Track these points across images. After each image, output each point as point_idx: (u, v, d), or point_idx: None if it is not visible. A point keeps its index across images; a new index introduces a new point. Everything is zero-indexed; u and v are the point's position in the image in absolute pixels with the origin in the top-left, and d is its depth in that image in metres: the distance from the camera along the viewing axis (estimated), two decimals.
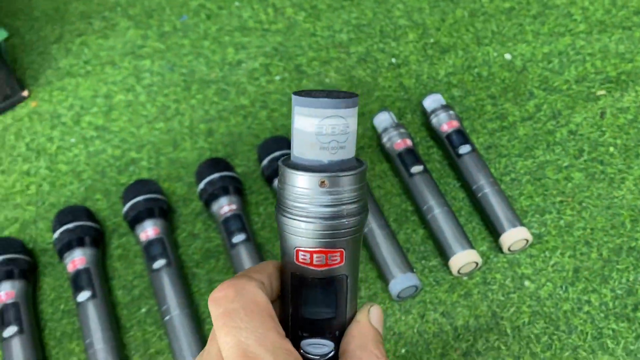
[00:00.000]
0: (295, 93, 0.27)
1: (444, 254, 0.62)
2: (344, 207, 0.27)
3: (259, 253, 0.63)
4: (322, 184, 0.27)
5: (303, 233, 0.27)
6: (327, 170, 0.27)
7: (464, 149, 0.67)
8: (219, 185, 0.66)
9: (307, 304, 0.29)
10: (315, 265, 0.28)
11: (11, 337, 0.59)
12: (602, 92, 0.76)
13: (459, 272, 0.61)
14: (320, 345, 0.29)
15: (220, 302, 0.26)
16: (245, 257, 0.62)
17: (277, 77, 0.84)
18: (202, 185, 0.67)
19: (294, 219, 0.27)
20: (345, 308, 0.29)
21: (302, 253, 0.28)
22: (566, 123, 0.73)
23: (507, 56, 0.81)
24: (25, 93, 0.85)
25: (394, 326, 0.59)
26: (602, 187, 0.67)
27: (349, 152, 0.28)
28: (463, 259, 0.60)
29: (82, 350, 0.61)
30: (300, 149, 0.27)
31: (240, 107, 0.81)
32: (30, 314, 0.61)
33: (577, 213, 0.65)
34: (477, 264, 0.61)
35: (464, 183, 0.68)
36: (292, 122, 0.28)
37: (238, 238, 0.63)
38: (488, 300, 0.60)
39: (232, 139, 0.77)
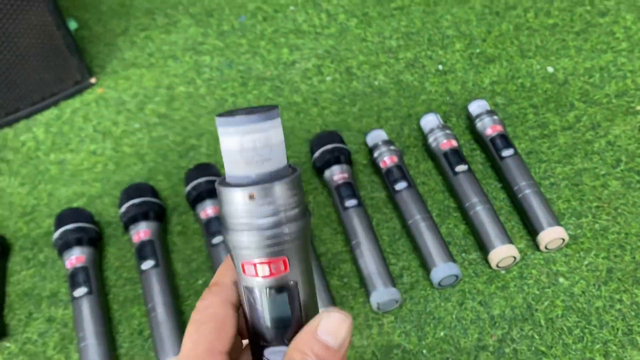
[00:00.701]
0: (219, 115, 0.28)
1: (484, 248, 0.65)
2: (278, 216, 0.27)
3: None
4: (251, 197, 0.27)
5: (244, 245, 0.28)
6: (255, 183, 0.27)
7: (507, 152, 0.71)
8: None
9: (262, 314, 0.29)
10: (261, 277, 0.28)
11: (81, 297, 0.64)
12: None
13: (497, 265, 0.64)
14: (281, 353, 0.29)
15: (196, 310, 0.30)
16: None
17: (328, 78, 0.89)
18: None
19: (234, 234, 0.28)
20: (301, 314, 0.29)
21: (247, 266, 0.28)
22: (605, 134, 0.76)
23: (550, 69, 0.85)
24: (93, 80, 0.92)
25: (434, 311, 0.63)
26: (637, 195, 0.70)
27: (277, 163, 0.28)
28: (502, 252, 0.63)
29: (142, 314, 0.66)
30: (229, 168, 0.28)
31: (293, 104, 0.86)
32: (97, 278, 0.67)
33: (612, 218, 0.68)
34: (515, 258, 0.64)
35: (505, 185, 0.72)
36: (221, 149, 0.28)
37: None
38: (524, 293, 0.63)
39: (285, 132, 0.82)
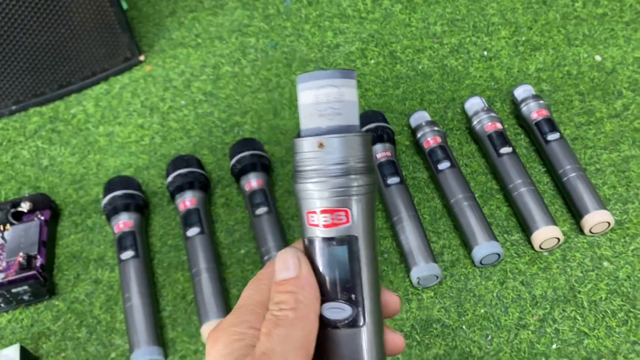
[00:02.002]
0: (298, 78, 0.30)
1: (527, 229, 0.65)
2: (343, 166, 0.29)
3: None
4: (320, 145, 0.29)
5: (309, 195, 0.29)
6: (325, 134, 0.29)
7: (553, 135, 0.71)
8: None
9: (321, 267, 0.30)
10: (323, 226, 0.29)
11: (128, 259, 0.66)
12: None
13: (540, 246, 0.64)
14: (338, 310, 0.30)
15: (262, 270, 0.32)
16: None
17: (372, 61, 0.89)
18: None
19: (302, 183, 0.29)
20: (360, 271, 0.30)
21: (310, 215, 0.30)
22: None
23: (597, 57, 0.84)
24: (142, 57, 0.94)
25: (475, 289, 0.63)
26: None
27: (347, 119, 0.29)
28: (546, 233, 0.63)
29: (185, 279, 0.67)
30: (304, 122, 0.30)
31: None
32: (143, 243, 0.68)
33: None
34: (558, 240, 0.64)
35: (549, 169, 0.71)
36: (298, 105, 0.30)
37: None
38: (566, 275, 0.63)
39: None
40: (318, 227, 0.29)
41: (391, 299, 0.33)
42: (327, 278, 0.30)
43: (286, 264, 0.30)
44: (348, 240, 0.29)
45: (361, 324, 0.30)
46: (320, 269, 0.30)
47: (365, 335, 0.30)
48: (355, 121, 0.30)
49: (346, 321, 0.30)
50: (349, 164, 0.29)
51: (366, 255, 0.30)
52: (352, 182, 0.29)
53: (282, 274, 0.30)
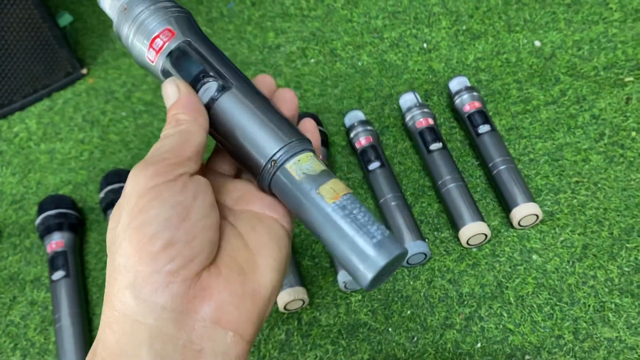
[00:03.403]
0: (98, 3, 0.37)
1: (454, 225, 0.64)
2: (150, 4, 0.35)
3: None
4: (124, 10, 0.35)
5: (140, 40, 0.35)
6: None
7: (484, 128, 0.70)
8: None
9: (180, 71, 0.34)
10: (160, 49, 0.34)
11: (59, 279, 0.66)
12: (630, 78, 0.76)
13: (467, 242, 0.63)
14: (208, 86, 0.34)
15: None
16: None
17: (312, 60, 0.88)
18: None
19: (131, 39, 0.35)
20: (207, 57, 0.35)
21: (149, 53, 0.35)
22: (590, 108, 0.74)
23: (537, 43, 0.83)
24: (84, 71, 0.94)
25: (402, 290, 0.62)
26: (620, 169, 0.68)
27: None
28: (472, 230, 0.62)
29: None
30: (113, 15, 0.37)
31: None
32: (76, 263, 0.68)
33: (592, 193, 0.66)
34: (485, 236, 0.63)
35: (481, 161, 0.70)
36: (108, 15, 0.37)
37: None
38: (495, 271, 0.62)
39: None
40: (159, 51, 0.34)
41: (261, 77, 0.37)
42: (189, 75, 0.34)
43: (167, 93, 0.33)
44: (184, 45, 0.35)
45: (231, 85, 0.34)
46: (181, 72, 0.34)
47: (240, 90, 0.34)
48: None
49: (218, 90, 0.34)
50: (154, 4, 0.35)
51: (205, 48, 0.35)
52: (161, 10, 0.35)
53: (167, 102, 0.33)
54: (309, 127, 0.36)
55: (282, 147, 0.32)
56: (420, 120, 0.72)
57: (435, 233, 0.66)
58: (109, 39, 0.99)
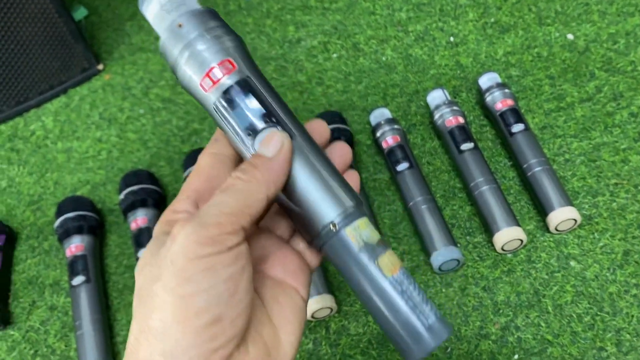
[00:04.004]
0: (139, 6, 0.33)
1: (488, 230, 0.62)
2: (208, 28, 0.32)
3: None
4: (179, 26, 0.32)
5: (196, 65, 0.32)
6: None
7: (517, 127, 0.67)
8: None
9: (237, 116, 0.32)
10: (217, 81, 0.32)
11: (79, 285, 0.64)
12: None
13: (502, 248, 0.61)
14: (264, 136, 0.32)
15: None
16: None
17: (334, 55, 0.85)
18: None
19: (184, 64, 0.32)
20: (267, 99, 0.32)
21: (203, 82, 0.32)
22: (628, 105, 0.71)
23: (570, 36, 0.79)
24: (100, 66, 0.91)
25: (435, 297, 0.60)
26: None
27: (191, 5, 0.33)
28: (507, 235, 0.60)
29: None
30: (160, 26, 0.33)
31: (297, 83, 0.83)
32: (96, 267, 0.67)
33: (632, 196, 0.63)
34: (521, 241, 0.60)
35: (515, 162, 0.67)
36: (152, 26, 0.33)
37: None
38: (531, 278, 0.60)
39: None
40: (217, 82, 0.32)
41: (315, 123, 0.34)
42: (246, 118, 0.32)
43: (270, 142, 0.30)
44: (245, 82, 0.32)
45: (293, 135, 0.31)
46: (236, 115, 0.32)
47: (301, 142, 0.32)
48: (197, 5, 0.33)
49: None
50: (211, 25, 0.32)
51: (265, 87, 0.32)
52: (221, 36, 0.32)
53: (262, 148, 0.31)
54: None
55: (343, 212, 0.31)
56: (449, 119, 0.69)
57: (468, 238, 0.64)
58: (124, 33, 0.97)
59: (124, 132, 0.83)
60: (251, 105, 0.32)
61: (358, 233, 0.31)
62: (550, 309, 0.57)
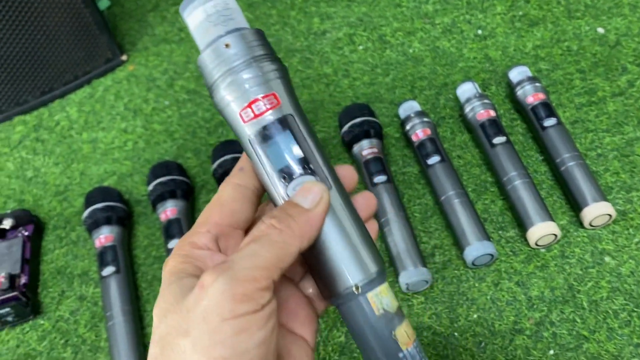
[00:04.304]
0: (180, 9, 0.32)
1: (522, 225, 0.61)
2: (256, 54, 0.30)
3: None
4: (226, 45, 0.30)
5: (237, 93, 0.30)
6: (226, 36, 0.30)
7: (549, 121, 0.66)
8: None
9: (272, 151, 0.30)
10: (259, 115, 0.30)
11: (109, 275, 0.64)
12: None
13: (536, 243, 0.60)
14: (302, 183, 0.30)
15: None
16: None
17: (360, 47, 0.85)
18: None
19: (225, 87, 0.30)
20: (307, 143, 0.31)
21: (244, 112, 0.30)
22: None
23: (600, 30, 0.78)
24: (124, 57, 0.91)
25: (467, 292, 0.60)
26: None
27: (240, 22, 0.31)
28: (542, 230, 0.59)
29: None
30: (202, 39, 0.31)
31: (323, 76, 0.83)
32: (125, 257, 0.67)
33: None
34: (555, 236, 0.60)
35: (546, 157, 0.67)
36: (191, 33, 0.31)
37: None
38: (565, 273, 0.59)
39: (314, 105, 0.79)
40: (256, 117, 0.30)
41: (344, 170, 0.33)
42: (282, 160, 0.30)
43: (309, 192, 0.29)
44: (286, 120, 0.30)
45: (329, 187, 0.30)
46: (272, 153, 0.30)
47: (336, 195, 0.31)
48: (245, 24, 0.31)
49: None
50: (260, 52, 0.30)
51: (305, 129, 0.31)
52: (269, 67, 0.30)
53: (299, 197, 0.29)
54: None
55: (368, 276, 0.30)
56: (481, 112, 0.69)
57: (500, 232, 0.63)
58: (147, 24, 0.96)
59: (149, 124, 0.82)
60: (290, 148, 0.30)
61: (379, 299, 0.30)
62: (585, 304, 0.57)
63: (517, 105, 0.72)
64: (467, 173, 0.68)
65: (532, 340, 0.56)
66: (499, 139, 0.66)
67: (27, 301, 0.65)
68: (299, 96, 0.81)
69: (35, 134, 0.85)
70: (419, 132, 0.69)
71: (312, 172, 0.30)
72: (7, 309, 0.64)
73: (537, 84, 0.70)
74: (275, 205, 0.31)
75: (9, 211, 0.73)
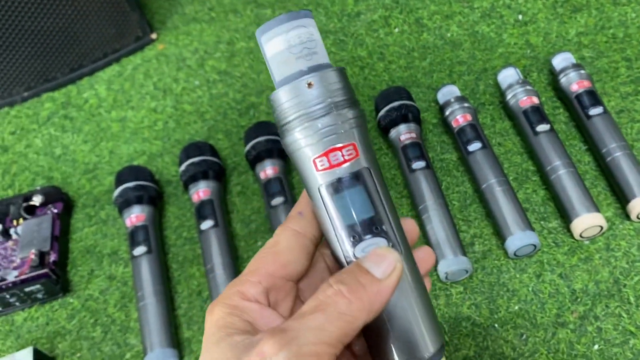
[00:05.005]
0: (258, 31, 0.29)
1: (566, 216, 0.59)
2: (339, 99, 0.28)
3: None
4: (309, 85, 0.28)
5: (313, 138, 0.28)
6: (309, 74, 0.28)
7: (595, 110, 0.64)
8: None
9: (343, 208, 0.28)
10: (336, 165, 0.28)
11: (140, 255, 0.63)
12: None
13: (581, 235, 0.58)
14: (373, 246, 0.29)
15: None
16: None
17: (396, 30, 0.83)
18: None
19: (301, 131, 0.28)
20: (382, 201, 0.29)
21: (319, 160, 0.28)
22: None
23: None
24: (154, 36, 0.90)
25: (508, 283, 0.58)
26: None
27: (323, 57, 0.29)
28: (587, 221, 0.57)
29: (201, 274, 0.64)
30: (280, 72, 0.29)
31: (358, 58, 0.81)
32: (157, 238, 0.66)
33: None
34: (601, 228, 0.58)
35: (591, 146, 0.65)
36: (265, 58, 0.29)
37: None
38: (610, 267, 0.57)
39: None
40: (330, 169, 0.28)
41: (406, 224, 0.31)
42: (353, 216, 0.29)
43: (382, 260, 0.27)
44: (363, 173, 0.29)
45: (400, 251, 0.29)
46: (343, 207, 0.29)
47: (406, 260, 0.29)
48: (327, 59, 0.29)
49: None
50: (342, 97, 0.28)
51: (380, 184, 0.29)
52: (350, 114, 0.28)
53: (371, 264, 0.27)
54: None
55: (426, 355, 0.29)
56: (523, 99, 0.66)
57: (542, 223, 0.61)
58: (177, 3, 0.95)
59: (179, 104, 0.81)
60: (363, 204, 0.29)
61: None
62: (632, 299, 0.55)
63: (560, 93, 0.69)
64: (508, 161, 0.66)
65: (576, 334, 0.54)
66: (542, 127, 0.64)
67: (57, 279, 0.64)
68: None
69: (63, 111, 0.84)
70: (459, 118, 0.67)
71: (384, 234, 0.29)
72: (37, 286, 0.63)
73: (582, 71, 0.68)
74: (336, 260, 0.30)
75: (38, 187, 0.72)
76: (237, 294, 0.28)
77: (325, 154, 0.28)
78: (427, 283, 0.31)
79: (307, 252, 0.30)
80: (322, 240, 0.31)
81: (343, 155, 0.28)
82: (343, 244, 0.29)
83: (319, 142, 0.28)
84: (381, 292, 0.27)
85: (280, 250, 0.30)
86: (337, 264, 0.30)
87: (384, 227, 0.29)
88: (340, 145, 0.28)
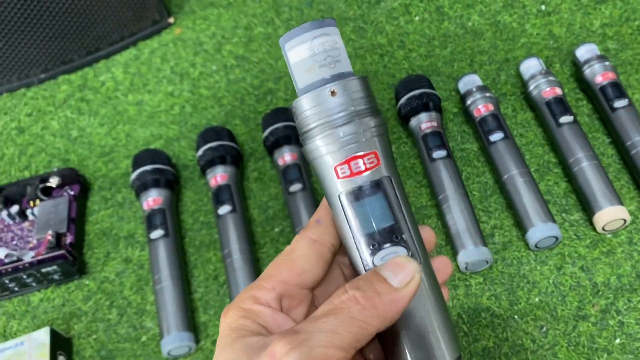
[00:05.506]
0: (282, 38, 0.29)
1: (588, 209, 0.59)
2: (361, 108, 0.28)
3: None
4: (332, 93, 0.28)
5: (332, 147, 0.28)
6: (332, 82, 0.28)
7: (620, 102, 0.63)
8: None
9: (364, 217, 0.29)
10: (357, 173, 0.28)
11: (158, 239, 0.63)
12: None
13: (603, 228, 0.58)
14: (393, 255, 0.29)
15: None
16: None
17: (417, 18, 0.82)
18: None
19: (322, 139, 0.28)
20: (402, 209, 0.29)
21: (340, 168, 0.28)
22: None
23: None
24: (171, 20, 0.89)
25: (529, 275, 0.57)
26: None
27: (346, 66, 0.29)
28: (610, 215, 0.57)
29: (218, 259, 0.64)
30: (303, 80, 0.29)
31: (378, 46, 0.80)
32: (174, 221, 0.65)
33: None
34: (624, 221, 0.57)
35: (615, 139, 0.64)
36: (288, 65, 0.29)
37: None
38: (633, 261, 0.57)
39: (368, 76, 0.76)
40: (351, 176, 0.28)
41: (424, 232, 0.31)
42: (373, 225, 0.29)
43: (400, 269, 0.27)
44: (384, 182, 0.29)
45: (419, 260, 0.29)
46: (362, 215, 0.29)
47: (425, 270, 0.29)
48: (350, 67, 0.30)
49: None
50: (364, 106, 0.29)
51: (400, 193, 0.29)
52: (372, 122, 0.29)
53: (388, 273, 0.27)
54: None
55: None
56: (546, 90, 0.66)
57: (564, 215, 0.61)
58: None
59: (196, 88, 0.81)
60: (384, 213, 0.29)
61: None
62: None
63: (583, 85, 0.68)
64: (530, 152, 0.66)
65: (597, 327, 0.53)
66: (565, 118, 0.63)
67: (73, 260, 0.64)
68: (352, 65, 0.78)
69: (80, 93, 0.84)
70: (481, 108, 0.66)
71: (404, 243, 0.29)
72: (54, 267, 0.63)
73: (607, 63, 0.67)
74: (354, 268, 0.30)
75: (55, 169, 0.72)
76: (251, 298, 0.29)
77: (347, 162, 0.28)
78: (445, 293, 0.31)
79: (324, 260, 0.30)
80: (340, 248, 0.31)
81: (364, 164, 0.28)
82: (362, 252, 0.29)
83: (340, 150, 0.28)
84: (397, 301, 0.27)
85: (296, 258, 0.30)
86: (355, 273, 0.30)
87: (403, 236, 0.29)
88: (361, 153, 0.28)
